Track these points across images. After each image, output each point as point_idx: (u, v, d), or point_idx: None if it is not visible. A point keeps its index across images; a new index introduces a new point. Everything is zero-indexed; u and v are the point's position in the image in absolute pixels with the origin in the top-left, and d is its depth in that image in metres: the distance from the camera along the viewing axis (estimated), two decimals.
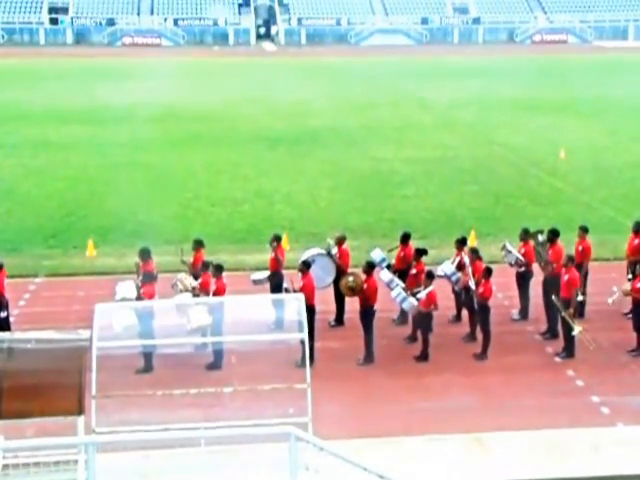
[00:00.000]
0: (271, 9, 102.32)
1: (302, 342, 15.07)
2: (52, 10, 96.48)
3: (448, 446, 14.67)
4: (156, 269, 18.88)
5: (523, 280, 20.09)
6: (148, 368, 17.30)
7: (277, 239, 19.91)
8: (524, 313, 20.19)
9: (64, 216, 28.44)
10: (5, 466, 11.65)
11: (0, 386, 11.28)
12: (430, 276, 18.34)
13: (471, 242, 23.42)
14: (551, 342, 18.86)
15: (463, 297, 19.31)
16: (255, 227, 27.18)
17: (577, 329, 17.94)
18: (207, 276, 18.19)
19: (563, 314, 18.08)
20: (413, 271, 19.17)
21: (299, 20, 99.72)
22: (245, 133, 43.22)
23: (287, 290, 17.93)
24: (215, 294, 17.70)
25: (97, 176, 34.08)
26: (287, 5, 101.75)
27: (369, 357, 18.02)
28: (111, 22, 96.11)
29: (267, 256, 20.19)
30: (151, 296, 17.55)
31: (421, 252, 19.54)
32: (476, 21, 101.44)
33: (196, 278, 18.42)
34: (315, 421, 13.67)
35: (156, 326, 16.66)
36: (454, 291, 19.70)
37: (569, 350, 18.26)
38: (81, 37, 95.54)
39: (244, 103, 52.85)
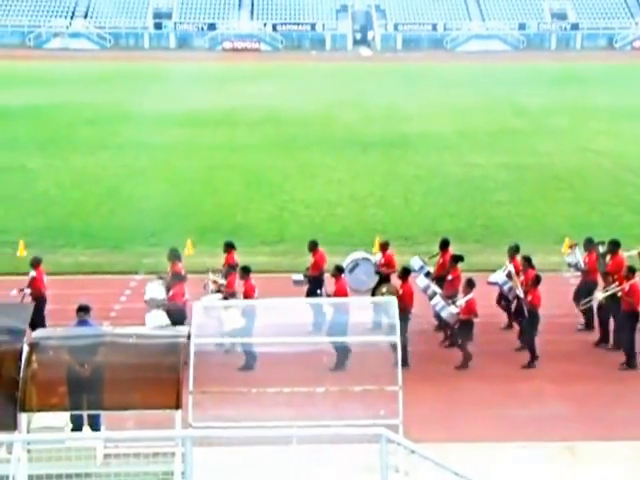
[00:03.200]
0: (368, 15, 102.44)
1: (393, 345, 15.19)
2: (156, 15, 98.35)
3: (539, 454, 14.65)
4: (184, 269, 19.28)
5: (586, 290, 19.83)
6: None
7: (314, 244, 20.20)
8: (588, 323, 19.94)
9: (164, 215, 29.05)
10: (107, 455, 12.10)
11: (102, 379, 11.71)
12: (470, 284, 18.27)
13: (564, 249, 23.27)
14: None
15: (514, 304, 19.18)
16: (348, 230, 27.42)
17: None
18: (233, 277, 18.62)
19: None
20: (449, 277, 19.27)
21: (395, 26, 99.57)
22: (340, 137, 43.48)
23: (321, 295, 18.33)
24: (245, 296, 18.09)
25: (196, 177, 34.77)
26: (384, 11, 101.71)
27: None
28: (212, 27, 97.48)
29: None
30: (181, 296, 18.11)
31: (457, 258, 19.59)
32: (574, 27, 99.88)
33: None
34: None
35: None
36: (505, 299, 19.58)
37: (631, 362, 18.05)
38: (183, 41, 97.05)
39: (340, 107, 53.12)
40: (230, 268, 18.88)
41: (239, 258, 20.03)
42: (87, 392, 11.60)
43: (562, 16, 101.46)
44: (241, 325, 16.96)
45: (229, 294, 18.32)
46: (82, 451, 11.73)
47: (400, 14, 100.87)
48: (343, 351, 17.63)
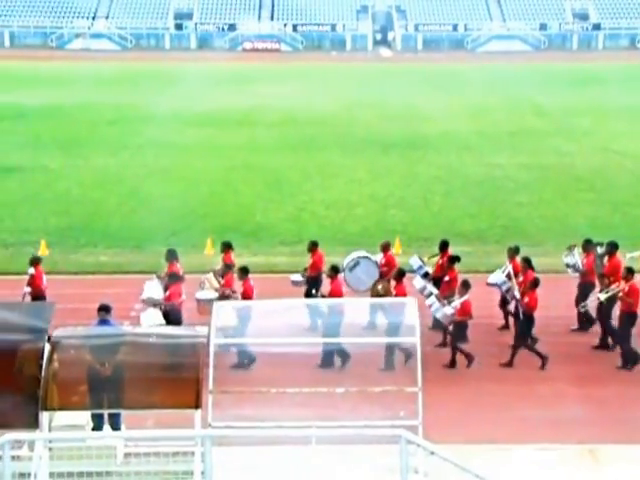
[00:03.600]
0: (388, 15, 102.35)
1: (414, 346, 15.17)
2: (177, 16, 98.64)
3: (560, 457, 14.59)
4: (182, 270, 19.31)
5: (583, 292, 19.73)
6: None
7: (314, 245, 20.21)
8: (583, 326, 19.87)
9: (184, 215, 29.15)
10: (127, 454, 12.16)
11: (122, 378, 11.77)
12: (466, 285, 18.18)
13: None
14: None
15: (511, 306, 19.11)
16: (368, 230, 27.40)
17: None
18: (230, 276, 18.71)
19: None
20: (446, 278, 19.23)
21: (416, 26, 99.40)
22: (360, 137, 43.46)
23: (316, 295, 18.36)
24: (243, 296, 18.09)
25: (216, 177, 34.87)
26: (404, 11, 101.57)
27: None
28: (232, 27, 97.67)
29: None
30: (178, 297, 18.17)
31: (454, 259, 19.56)
32: (596, 27, 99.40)
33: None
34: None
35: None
36: (503, 301, 19.51)
37: (631, 360, 17.98)
38: (204, 42, 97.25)
39: (360, 108, 53.11)
40: (227, 267, 18.97)
41: (258, 258, 20.16)
42: (108, 391, 11.67)
43: (584, 16, 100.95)
44: (234, 324, 16.94)
45: (226, 293, 18.38)
46: (103, 450, 11.81)
47: (421, 15, 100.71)
48: (344, 353, 17.64)
